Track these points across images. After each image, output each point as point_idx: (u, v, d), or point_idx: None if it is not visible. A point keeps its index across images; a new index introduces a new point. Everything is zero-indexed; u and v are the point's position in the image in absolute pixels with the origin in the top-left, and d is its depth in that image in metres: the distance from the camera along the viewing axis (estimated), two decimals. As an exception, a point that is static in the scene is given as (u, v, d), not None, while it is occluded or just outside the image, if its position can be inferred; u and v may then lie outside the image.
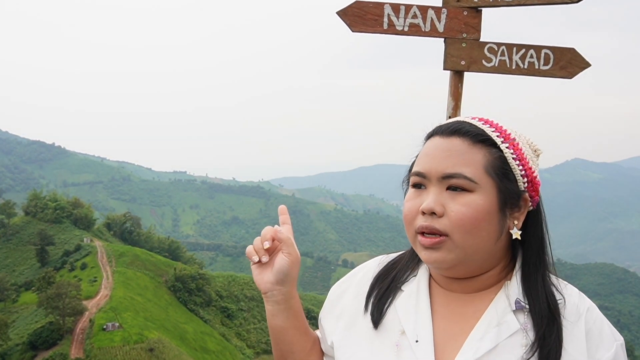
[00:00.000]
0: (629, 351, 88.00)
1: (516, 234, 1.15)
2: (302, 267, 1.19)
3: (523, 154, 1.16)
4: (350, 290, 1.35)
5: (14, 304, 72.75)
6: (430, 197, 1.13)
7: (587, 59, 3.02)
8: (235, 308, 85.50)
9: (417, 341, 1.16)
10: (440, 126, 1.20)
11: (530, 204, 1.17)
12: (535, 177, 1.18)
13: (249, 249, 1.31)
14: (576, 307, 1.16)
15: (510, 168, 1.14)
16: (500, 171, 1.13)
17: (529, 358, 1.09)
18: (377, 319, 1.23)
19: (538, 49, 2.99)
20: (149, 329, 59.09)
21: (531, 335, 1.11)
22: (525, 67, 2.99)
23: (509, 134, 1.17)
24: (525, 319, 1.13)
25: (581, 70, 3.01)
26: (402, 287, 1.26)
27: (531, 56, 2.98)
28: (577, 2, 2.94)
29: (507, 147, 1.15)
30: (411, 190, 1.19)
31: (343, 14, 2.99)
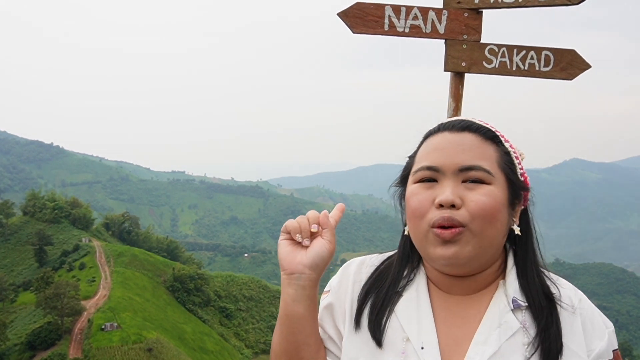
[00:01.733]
0: (627, 351, 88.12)
1: (517, 229, 1.18)
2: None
3: (517, 155, 1.22)
4: (347, 294, 1.30)
5: (12, 304, 72.61)
6: (448, 190, 1.13)
7: (587, 60, 3.03)
8: (233, 308, 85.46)
9: (422, 348, 1.14)
10: (448, 123, 1.22)
11: (523, 202, 1.21)
12: (527, 177, 1.23)
13: (292, 225, 1.25)
14: (570, 299, 1.18)
15: (514, 164, 1.19)
16: (509, 167, 1.17)
17: (533, 354, 1.10)
18: (379, 336, 1.19)
19: (538, 50, 3.00)
20: (148, 329, 59.04)
21: (532, 332, 1.12)
22: (526, 68, 3.00)
23: (504, 135, 1.22)
24: (524, 317, 1.14)
25: (581, 72, 3.02)
26: (400, 292, 1.24)
27: (531, 58, 2.99)
28: (577, 3, 2.94)
29: (509, 146, 1.20)
30: (416, 185, 1.18)
31: (344, 15, 2.99)
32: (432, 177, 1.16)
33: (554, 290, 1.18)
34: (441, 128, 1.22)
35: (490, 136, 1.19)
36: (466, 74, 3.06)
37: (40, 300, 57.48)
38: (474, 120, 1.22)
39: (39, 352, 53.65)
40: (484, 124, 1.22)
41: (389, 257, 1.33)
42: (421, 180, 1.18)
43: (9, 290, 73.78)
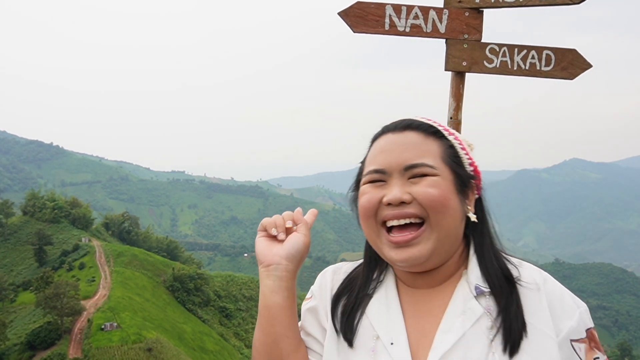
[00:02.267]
0: (627, 351, 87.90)
1: (473, 217, 1.21)
2: (304, 261, 1.36)
3: (464, 146, 1.26)
4: (327, 299, 1.34)
5: (12, 303, 72.57)
6: (396, 188, 1.17)
7: (587, 59, 3.02)
8: (233, 308, 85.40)
9: (392, 343, 1.17)
10: (391, 124, 1.27)
11: (476, 191, 1.26)
12: (477, 166, 1.27)
13: (268, 221, 1.33)
14: (534, 279, 1.18)
15: (460, 157, 1.23)
16: (452, 159, 1.21)
17: (495, 335, 1.11)
18: (350, 337, 1.23)
19: (539, 50, 2.98)
20: (147, 328, 58.98)
21: (495, 316, 1.14)
22: (527, 68, 2.98)
23: (449, 129, 1.27)
24: (487, 302, 1.15)
25: (582, 72, 3.00)
26: (371, 293, 1.28)
27: (532, 57, 2.97)
28: (578, 3, 2.93)
29: (454, 139, 1.24)
30: (366, 186, 1.23)
31: (345, 14, 2.98)
32: (380, 178, 1.20)
33: (514, 272, 1.19)
34: (385, 130, 1.26)
35: (432, 132, 1.22)
36: (467, 74, 3.05)
37: (40, 300, 57.39)
38: (415, 119, 1.26)
39: (39, 352, 53.51)
40: (425, 121, 1.25)
41: (360, 264, 1.37)
42: (371, 182, 1.22)
43: (9, 290, 73.75)
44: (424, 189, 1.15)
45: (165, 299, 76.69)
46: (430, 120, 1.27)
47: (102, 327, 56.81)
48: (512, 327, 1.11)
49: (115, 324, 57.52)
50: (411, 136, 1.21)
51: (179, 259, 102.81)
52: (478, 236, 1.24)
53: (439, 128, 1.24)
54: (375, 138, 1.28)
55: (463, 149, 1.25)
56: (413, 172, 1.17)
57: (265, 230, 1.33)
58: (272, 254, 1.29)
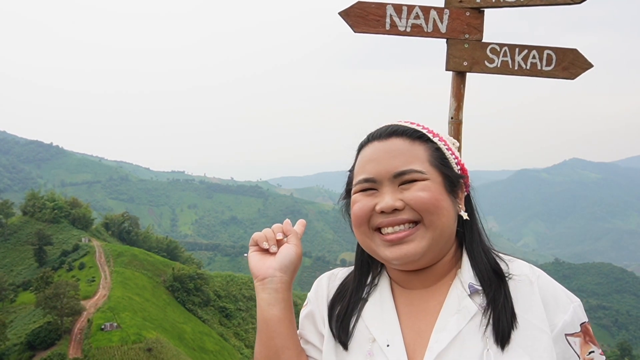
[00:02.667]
0: (627, 351, 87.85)
1: (464, 214, 1.24)
2: (300, 266, 1.40)
3: (450, 146, 1.28)
4: (323, 304, 1.37)
5: (12, 304, 72.50)
6: (387, 196, 1.19)
7: (588, 59, 3.01)
8: (233, 308, 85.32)
9: (388, 345, 1.19)
10: (376, 132, 1.28)
11: (464, 189, 1.29)
12: (464, 164, 1.30)
13: (259, 235, 1.35)
14: (524, 273, 1.21)
15: (447, 158, 1.25)
16: (440, 161, 1.23)
17: (486, 328, 1.13)
18: (345, 340, 1.25)
19: (540, 49, 2.97)
20: (147, 328, 58.93)
21: (486, 310, 1.16)
22: (528, 68, 2.98)
23: (433, 131, 1.29)
24: (481, 300, 1.18)
25: (583, 71, 3.00)
26: (366, 297, 1.30)
27: (533, 57, 2.97)
28: (579, 2, 2.93)
29: (439, 141, 1.26)
30: (358, 194, 1.25)
31: (345, 14, 2.97)
32: (371, 187, 1.23)
33: (503, 266, 1.22)
34: (370, 138, 1.28)
35: (417, 136, 1.24)
36: (468, 74, 3.04)
37: (40, 300, 57.35)
38: (399, 124, 1.27)
39: (39, 352, 53.47)
40: (409, 125, 1.27)
41: (351, 271, 1.39)
42: (362, 191, 1.24)
43: (9, 290, 73.66)
44: (415, 193, 1.17)
45: (165, 299, 76.63)
46: (414, 123, 1.28)
47: (102, 327, 56.76)
48: (500, 317, 1.13)
49: (115, 324, 57.48)
50: (397, 143, 1.22)
51: (178, 259, 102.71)
52: (468, 232, 1.26)
53: (424, 131, 1.26)
54: (361, 147, 1.30)
55: (449, 149, 1.27)
56: (403, 179, 1.19)
57: (256, 244, 1.35)
58: (265, 267, 1.31)
